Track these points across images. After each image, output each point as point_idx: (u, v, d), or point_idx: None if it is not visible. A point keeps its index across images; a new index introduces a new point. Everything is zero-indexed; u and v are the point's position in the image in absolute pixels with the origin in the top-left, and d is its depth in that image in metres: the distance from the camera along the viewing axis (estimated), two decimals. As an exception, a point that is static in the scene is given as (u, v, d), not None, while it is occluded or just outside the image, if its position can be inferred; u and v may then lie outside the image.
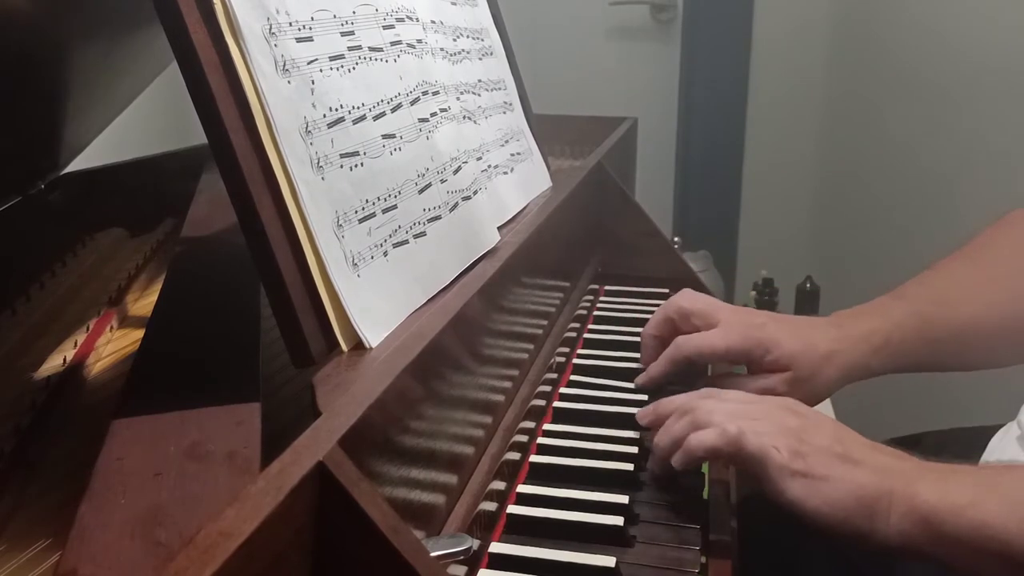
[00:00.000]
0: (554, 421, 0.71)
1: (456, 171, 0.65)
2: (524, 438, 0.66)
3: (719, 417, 0.59)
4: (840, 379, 0.71)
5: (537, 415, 0.71)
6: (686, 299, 0.75)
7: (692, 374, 0.76)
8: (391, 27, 0.61)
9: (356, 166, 0.53)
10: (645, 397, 0.73)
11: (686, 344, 0.72)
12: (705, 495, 0.64)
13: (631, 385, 0.76)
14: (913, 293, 0.75)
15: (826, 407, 1.13)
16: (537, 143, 0.92)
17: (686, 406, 0.62)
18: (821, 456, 0.56)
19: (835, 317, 0.74)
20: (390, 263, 0.55)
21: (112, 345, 0.69)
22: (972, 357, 0.76)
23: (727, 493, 0.65)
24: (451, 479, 0.54)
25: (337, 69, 0.54)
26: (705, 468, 0.67)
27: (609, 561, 0.53)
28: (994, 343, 0.75)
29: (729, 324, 0.72)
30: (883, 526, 0.53)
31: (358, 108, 0.55)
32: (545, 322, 0.82)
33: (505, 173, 0.81)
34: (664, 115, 2.26)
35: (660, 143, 2.25)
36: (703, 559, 0.56)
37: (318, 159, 0.50)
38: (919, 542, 0.52)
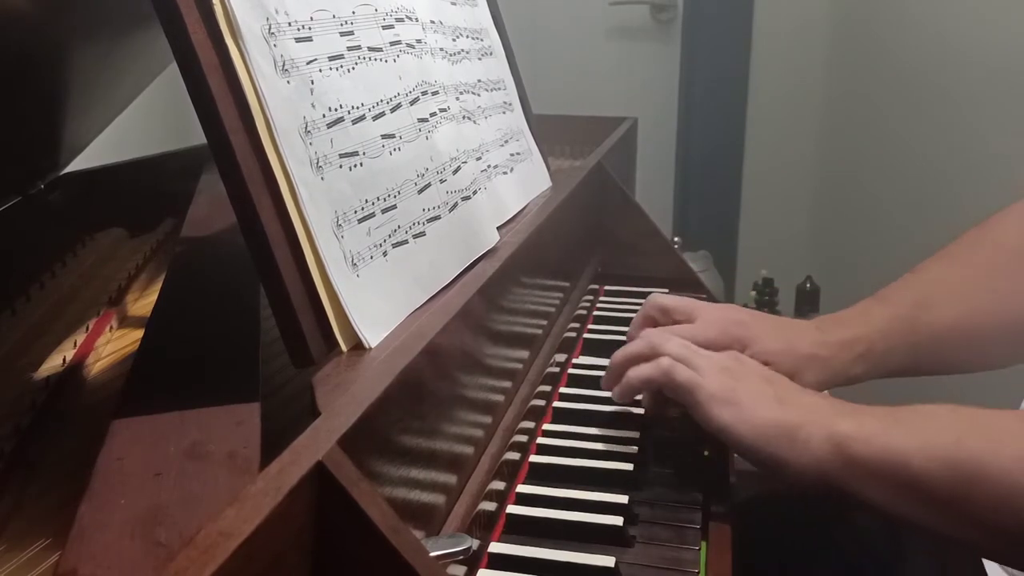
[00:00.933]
0: (554, 421, 0.71)
1: (456, 171, 0.65)
2: (524, 438, 0.67)
3: (665, 350, 0.64)
4: (819, 384, 0.70)
5: (537, 415, 0.71)
6: (665, 297, 0.77)
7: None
8: (390, 27, 0.61)
9: (355, 166, 0.53)
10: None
11: (666, 346, 0.71)
12: (703, 495, 0.64)
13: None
14: (896, 297, 0.75)
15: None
16: (537, 143, 0.92)
17: (645, 338, 0.67)
18: (751, 393, 0.61)
19: (819, 322, 0.74)
20: (390, 263, 0.55)
21: (112, 345, 0.69)
22: (956, 360, 0.76)
23: (728, 494, 0.65)
24: (451, 479, 0.54)
25: (336, 69, 0.54)
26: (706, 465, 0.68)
27: (609, 561, 0.53)
28: (978, 345, 0.74)
29: (709, 319, 0.72)
30: (801, 453, 0.57)
31: (357, 108, 0.55)
32: (545, 322, 0.82)
33: (505, 173, 0.81)
34: (664, 115, 2.26)
35: (660, 143, 2.26)
36: (703, 559, 0.57)
37: (317, 159, 0.50)
38: (833, 469, 0.56)
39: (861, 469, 0.54)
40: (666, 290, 1.01)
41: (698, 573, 0.55)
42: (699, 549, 0.57)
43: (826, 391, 0.71)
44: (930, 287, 0.75)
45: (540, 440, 0.68)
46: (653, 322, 0.75)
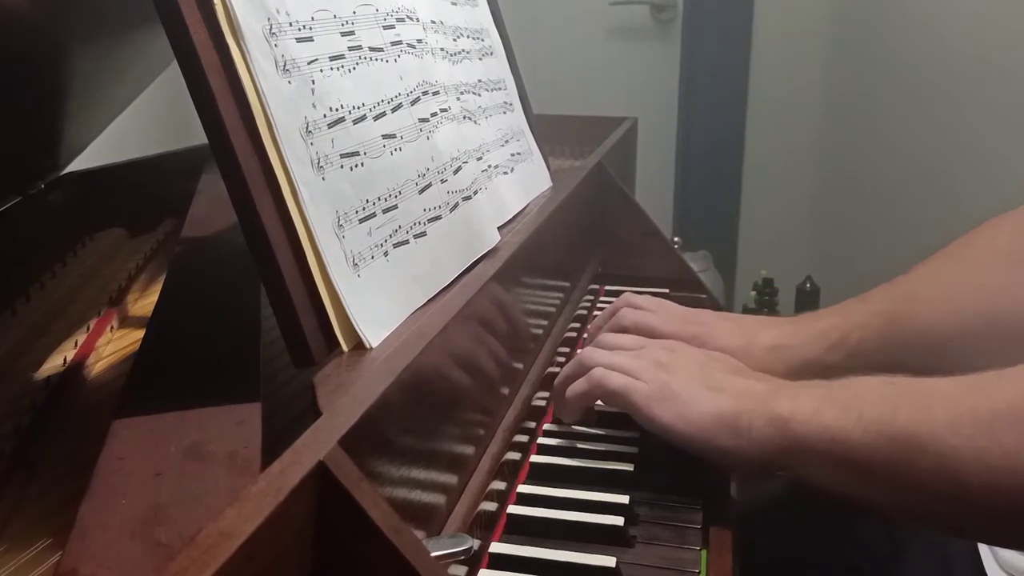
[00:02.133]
0: (554, 421, 0.71)
1: (456, 171, 0.65)
2: (524, 438, 0.66)
3: (594, 361, 0.65)
4: (791, 373, 0.70)
5: (538, 415, 0.71)
6: (633, 295, 0.80)
7: None
8: (391, 27, 0.61)
9: (356, 166, 0.53)
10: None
11: (628, 315, 0.76)
12: (703, 495, 0.64)
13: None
14: (881, 295, 0.75)
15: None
16: (537, 143, 0.92)
17: (576, 358, 0.68)
18: (686, 384, 0.61)
19: (797, 316, 0.76)
20: (390, 263, 0.55)
21: (112, 345, 0.69)
22: (938, 359, 0.74)
23: (728, 494, 0.65)
24: (451, 479, 0.54)
25: (337, 69, 0.54)
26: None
27: (609, 561, 0.53)
28: (961, 344, 0.73)
29: (670, 314, 0.76)
30: (744, 441, 0.57)
31: (358, 108, 0.55)
32: (545, 322, 0.82)
33: (505, 173, 0.81)
34: (664, 115, 2.27)
35: (660, 143, 2.26)
36: (704, 560, 0.57)
37: (318, 159, 0.50)
38: (776, 452, 0.56)
39: (803, 449, 0.55)
40: (666, 290, 1.01)
41: (699, 573, 0.55)
42: (700, 549, 0.57)
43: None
44: (915, 284, 0.75)
45: (541, 440, 0.68)
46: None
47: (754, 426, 0.57)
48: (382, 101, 0.58)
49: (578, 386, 0.66)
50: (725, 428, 0.58)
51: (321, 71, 0.52)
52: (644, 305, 0.77)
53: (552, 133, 1.13)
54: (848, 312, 0.74)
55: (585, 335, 0.89)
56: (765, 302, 1.73)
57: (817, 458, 0.54)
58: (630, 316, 0.76)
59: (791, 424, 0.55)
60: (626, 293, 0.81)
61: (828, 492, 0.55)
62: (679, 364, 0.63)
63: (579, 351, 0.70)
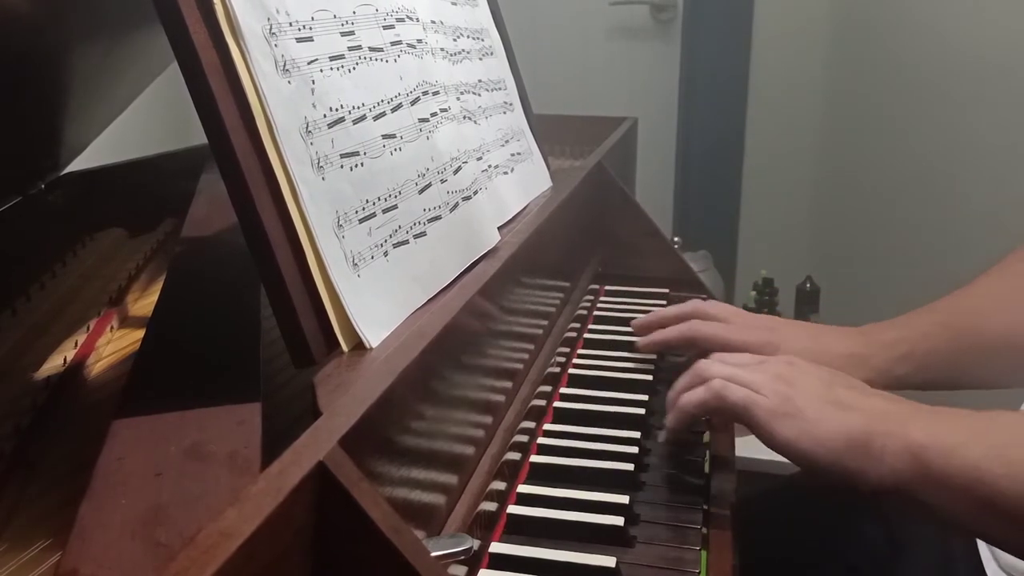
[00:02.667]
0: (554, 421, 0.71)
1: (456, 171, 0.65)
2: (524, 438, 0.66)
3: (712, 372, 0.62)
4: (864, 382, 0.71)
5: (537, 415, 0.71)
6: (706, 303, 0.79)
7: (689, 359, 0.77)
8: (391, 27, 0.61)
9: (356, 166, 0.53)
10: (646, 397, 0.74)
11: (701, 328, 0.75)
12: (704, 495, 0.64)
13: (631, 385, 0.76)
14: (944, 306, 0.75)
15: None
16: (537, 143, 0.92)
17: (692, 369, 0.65)
18: (811, 400, 0.57)
19: (864, 327, 0.75)
20: (390, 263, 0.55)
21: (112, 345, 0.69)
22: (1004, 372, 0.75)
23: (728, 494, 0.65)
24: (451, 479, 0.54)
25: (337, 69, 0.54)
26: (707, 466, 0.67)
27: (609, 561, 0.53)
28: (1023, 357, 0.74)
29: (743, 324, 0.75)
30: (876, 465, 0.54)
31: (358, 108, 0.55)
32: (545, 322, 0.82)
33: (505, 173, 0.81)
34: (664, 115, 2.26)
35: (660, 143, 2.25)
36: (704, 560, 0.56)
37: (318, 159, 0.50)
38: (910, 481, 0.53)
39: (940, 483, 0.52)
40: (666, 290, 1.01)
41: (699, 573, 0.55)
42: (700, 549, 0.57)
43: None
44: (979, 299, 0.75)
45: (541, 440, 0.68)
46: (687, 317, 0.77)
47: (888, 450, 0.53)
48: (382, 101, 0.58)
49: (696, 395, 0.62)
50: (856, 450, 0.54)
51: (321, 71, 0.52)
52: (714, 315, 0.76)
53: (552, 133, 1.13)
54: (915, 324, 0.74)
55: (582, 335, 0.89)
56: (765, 302, 1.73)
57: (957, 494, 0.51)
58: (701, 329, 0.75)
59: (930, 455, 0.52)
60: (694, 301, 0.79)
61: (962, 528, 0.53)
62: (802, 379, 0.60)
63: (695, 365, 0.65)
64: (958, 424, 0.53)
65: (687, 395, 0.63)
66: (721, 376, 0.61)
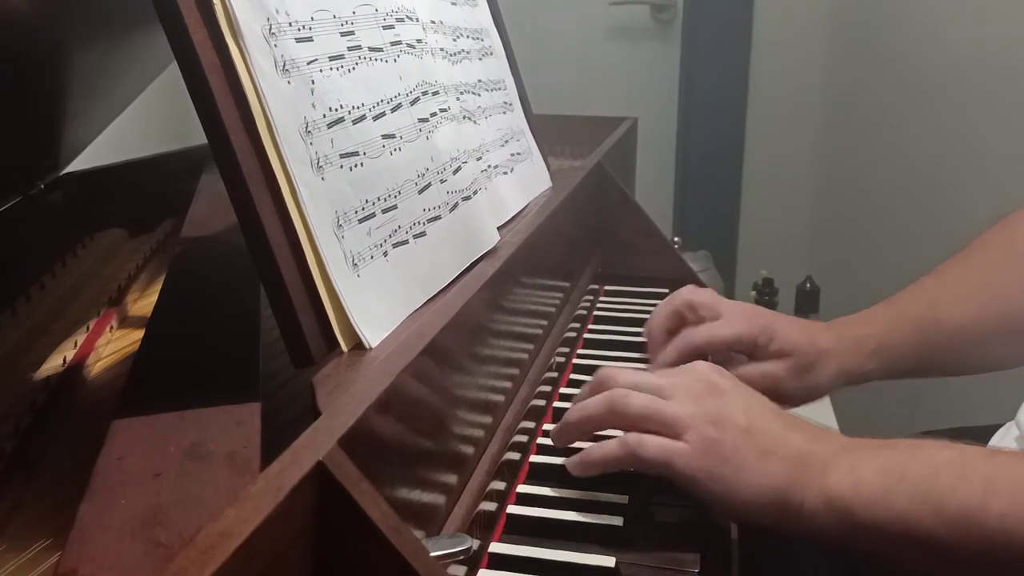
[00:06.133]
0: (554, 421, 0.71)
1: (456, 171, 0.65)
2: (524, 438, 0.66)
3: (625, 408, 0.57)
4: (837, 377, 0.72)
5: (537, 415, 0.71)
6: (692, 292, 0.77)
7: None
8: (391, 27, 0.61)
9: (356, 166, 0.53)
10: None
11: (696, 334, 0.74)
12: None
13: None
14: (907, 298, 0.76)
15: (826, 409, 1.14)
16: (537, 143, 0.92)
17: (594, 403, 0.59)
18: (734, 446, 0.54)
19: (832, 322, 0.76)
20: (390, 263, 0.55)
21: (112, 345, 0.69)
22: (965, 360, 0.76)
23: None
24: (451, 479, 0.54)
25: (337, 69, 0.54)
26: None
27: (609, 561, 0.53)
28: (987, 345, 0.75)
29: (733, 314, 0.74)
30: (799, 520, 0.52)
31: (358, 108, 0.55)
32: (545, 322, 0.82)
33: (505, 173, 0.81)
34: (664, 115, 2.26)
35: (660, 143, 2.25)
36: (703, 559, 0.56)
37: (318, 159, 0.50)
38: (839, 534, 0.52)
39: (868, 533, 0.51)
40: (666, 290, 1.01)
41: (698, 573, 0.55)
42: (699, 548, 0.57)
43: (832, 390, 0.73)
44: (940, 288, 0.76)
45: (540, 440, 0.68)
46: (680, 317, 0.76)
47: (807, 505, 0.52)
48: (382, 101, 0.58)
49: (609, 449, 0.57)
50: (778, 503, 0.53)
51: (321, 71, 0.52)
52: (706, 311, 0.74)
53: (552, 133, 1.13)
54: (878, 318, 0.74)
55: (582, 335, 0.89)
56: (765, 302, 1.73)
57: (889, 542, 0.50)
58: (701, 334, 0.73)
59: (855, 509, 0.50)
60: (678, 292, 0.77)
61: (896, 565, 0.52)
62: (724, 416, 0.55)
63: (608, 377, 0.61)
64: (879, 465, 0.51)
65: (598, 449, 0.58)
66: (637, 412, 0.57)
